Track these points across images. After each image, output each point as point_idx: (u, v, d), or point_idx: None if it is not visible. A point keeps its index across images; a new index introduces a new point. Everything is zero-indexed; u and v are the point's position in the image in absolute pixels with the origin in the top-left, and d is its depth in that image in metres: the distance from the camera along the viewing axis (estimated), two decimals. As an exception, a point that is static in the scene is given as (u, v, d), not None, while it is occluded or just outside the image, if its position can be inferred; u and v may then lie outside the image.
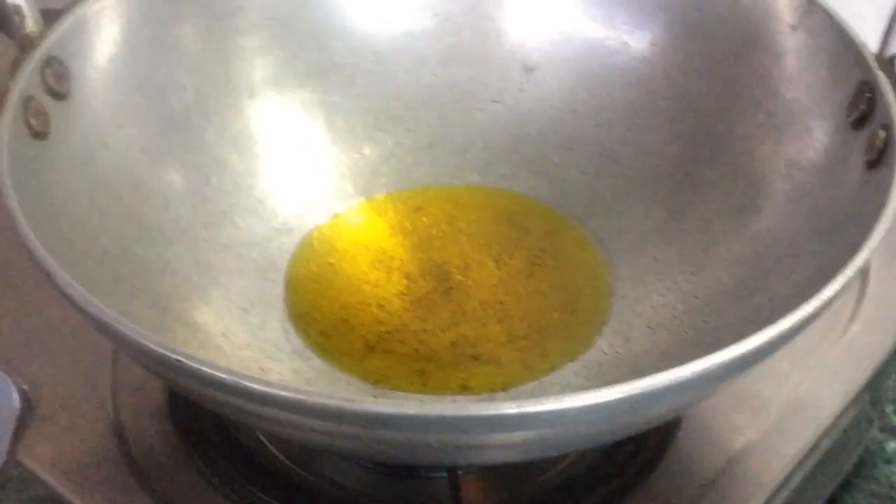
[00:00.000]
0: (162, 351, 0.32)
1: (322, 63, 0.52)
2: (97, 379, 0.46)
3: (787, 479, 0.43)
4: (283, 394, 0.30)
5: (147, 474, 0.42)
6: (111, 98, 0.46)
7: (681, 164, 0.50)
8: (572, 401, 0.30)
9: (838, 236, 0.40)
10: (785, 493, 0.43)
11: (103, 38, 0.46)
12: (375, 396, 0.43)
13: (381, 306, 0.47)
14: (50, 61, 0.42)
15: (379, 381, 0.44)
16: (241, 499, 0.42)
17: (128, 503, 0.41)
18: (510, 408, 0.30)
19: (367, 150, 0.52)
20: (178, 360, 0.31)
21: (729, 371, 0.33)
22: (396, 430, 0.31)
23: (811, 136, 0.45)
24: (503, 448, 0.34)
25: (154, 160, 0.47)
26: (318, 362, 0.45)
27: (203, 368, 0.31)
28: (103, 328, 0.33)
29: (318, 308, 0.47)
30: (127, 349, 0.35)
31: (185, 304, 0.44)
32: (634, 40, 0.52)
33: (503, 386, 0.44)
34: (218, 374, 0.31)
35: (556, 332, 0.46)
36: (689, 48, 0.51)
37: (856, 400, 0.46)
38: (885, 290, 0.50)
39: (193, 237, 0.47)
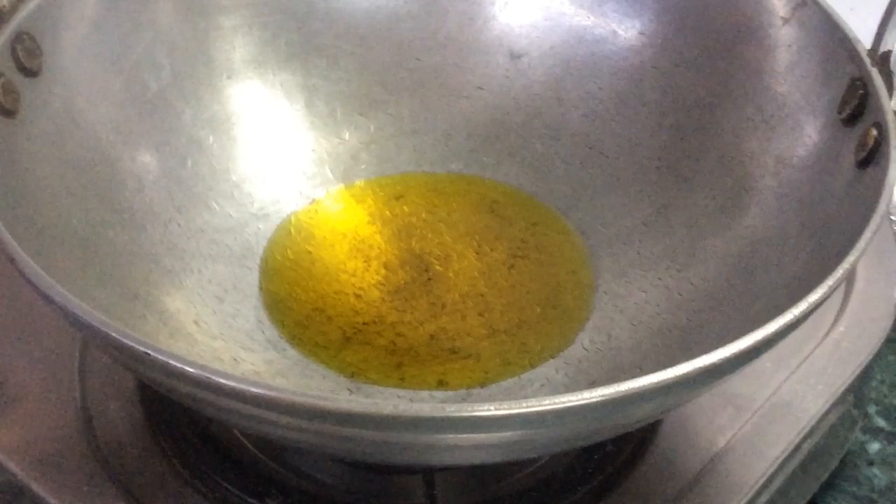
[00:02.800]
0: (130, 343, 0.31)
1: (304, 45, 0.51)
2: (64, 363, 0.45)
3: (769, 480, 0.43)
4: (255, 390, 0.30)
5: (114, 463, 0.42)
6: (84, 76, 0.45)
7: (668, 157, 0.49)
8: (551, 403, 0.30)
9: (826, 236, 0.40)
10: (766, 495, 0.43)
11: (77, 13, 0.45)
12: (351, 390, 0.43)
13: (358, 296, 0.46)
14: (20, 37, 0.41)
15: (355, 374, 0.43)
16: (211, 491, 0.41)
17: (92, 493, 0.41)
18: (487, 409, 0.29)
19: (347, 136, 0.52)
20: (147, 353, 0.30)
21: (713, 374, 0.32)
22: (371, 430, 0.31)
23: (801, 133, 0.44)
24: (479, 448, 0.34)
25: (128, 141, 0.46)
26: (292, 353, 0.44)
27: (172, 362, 0.30)
28: (68, 316, 0.32)
29: (294, 297, 0.46)
30: (94, 339, 0.35)
31: (156, 290, 0.43)
32: (623, 29, 0.52)
33: (481, 382, 0.43)
34: (187, 368, 0.30)
35: (536, 327, 0.46)
36: (678, 39, 0.50)
37: (839, 401, 0.46)
38: (871, 291, 0.49)
39: (167, 221, 0.46)
